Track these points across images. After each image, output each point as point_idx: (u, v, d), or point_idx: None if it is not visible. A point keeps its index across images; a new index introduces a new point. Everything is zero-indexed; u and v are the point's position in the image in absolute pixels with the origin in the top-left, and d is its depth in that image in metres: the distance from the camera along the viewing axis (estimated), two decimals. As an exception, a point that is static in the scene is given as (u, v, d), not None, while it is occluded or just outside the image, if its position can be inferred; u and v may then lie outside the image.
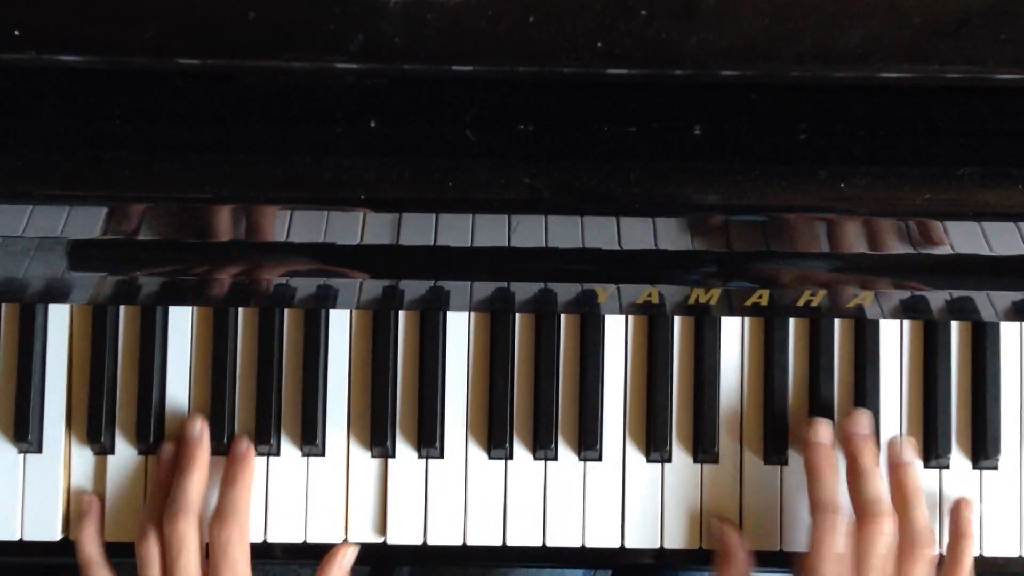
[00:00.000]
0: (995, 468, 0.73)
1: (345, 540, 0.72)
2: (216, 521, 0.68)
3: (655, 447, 0.72)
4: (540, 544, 0.73)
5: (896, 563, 0.66)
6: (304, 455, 0.73)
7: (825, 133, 0.56)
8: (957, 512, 0.72)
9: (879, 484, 0.68)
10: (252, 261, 0.65)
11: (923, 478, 0.73)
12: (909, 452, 0.71)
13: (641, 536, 0.73)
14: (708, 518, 0.72)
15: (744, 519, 0.73)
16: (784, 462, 0.73)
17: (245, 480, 0.70)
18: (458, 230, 0.60)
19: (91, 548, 0.71)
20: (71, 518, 0.72)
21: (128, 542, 0.71)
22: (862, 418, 0.70)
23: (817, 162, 0.55)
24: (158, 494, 0.70)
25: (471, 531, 0.73)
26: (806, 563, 0.67)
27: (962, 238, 0.58)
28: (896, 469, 0.70)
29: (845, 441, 0.70)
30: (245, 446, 0.71)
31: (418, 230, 0.60)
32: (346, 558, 0.71)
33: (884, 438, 0.73)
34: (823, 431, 0.70)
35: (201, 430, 0.71)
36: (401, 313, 0.73)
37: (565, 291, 0.69)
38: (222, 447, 0.72)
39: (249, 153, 0.55)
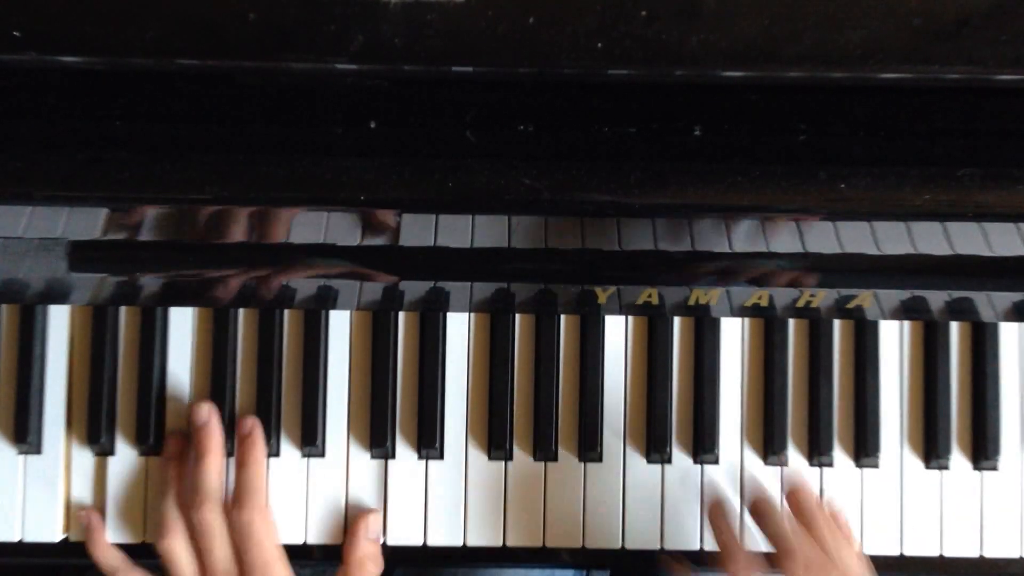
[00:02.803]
0: (995, 469, 0.73)
1: (370, 510, 0.72)
2: (234, 505, 0.68)
3: (655, 448, 0.72)
4: (540, 545, 0.73)
5: None
6: (304, 456, 0.73)
7: (825, 134, 0.56)
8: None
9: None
10: (251, 262, 0.65)
11: (924, 480, 0.73)
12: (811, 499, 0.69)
13: (641, 537, 0.73)
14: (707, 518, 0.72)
15: (744, 518, 0.73)
16: (784, 463, 0.73)
17: (256, 458, 0.70)
18: (458, 230, 0.60)
19: (108, 556, 0.71)
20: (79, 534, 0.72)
21: (130, 543, 0.71)
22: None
23: (817, 163, 0.55)
24: (171, 489, 0.70)
25: (471, 532, 0.73)
26: None
27: (962, 238, 0.58)
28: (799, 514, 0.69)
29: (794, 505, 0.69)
30: (250, 424, 0.71)
31: (418, 230, 0.60)
32: (370, 527, 0.71)
33: (884, 439, 0.73)
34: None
35: (208, 414, 0.71)
36: (401, 314, 0.73)
37: (565, 292, 0.69)
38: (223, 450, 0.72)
39: (249, 154, 0.55)
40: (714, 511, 0.71)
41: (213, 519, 0.67)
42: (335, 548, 0.72)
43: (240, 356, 0.73)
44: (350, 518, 0.72)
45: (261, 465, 0.70)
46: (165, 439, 0.72)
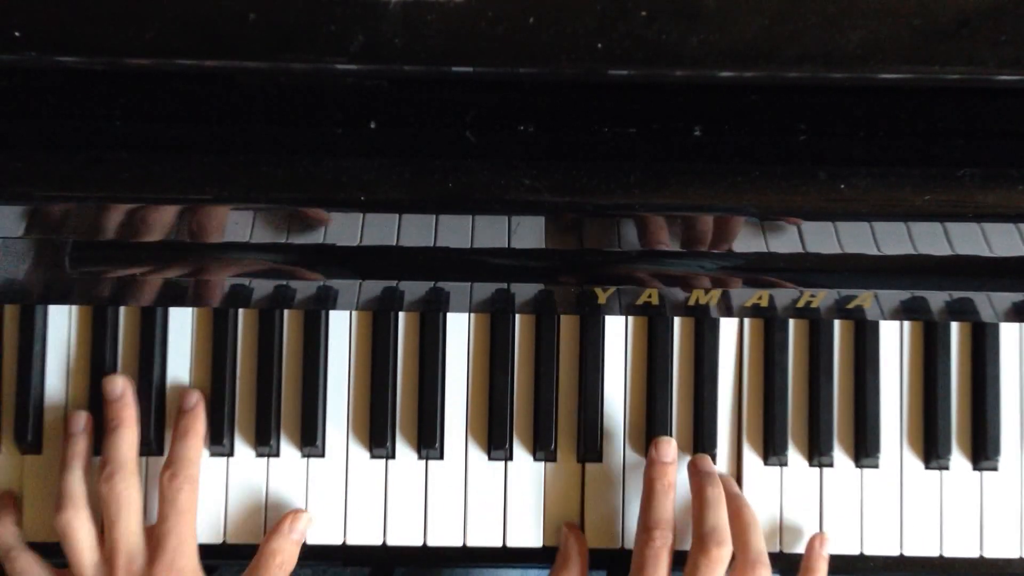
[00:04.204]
0: (995, 469, 0.73)
1: (297, 510, 0.71)
2: (165, 471, 0.67)
3: (655, 448, 0.72)
4: (540, 546, 0.73)
5: None
6: (304, 456, 0.73)
7: (825, 134, 0.56)
8: (811, 546, 0.72)
9: (721, 514, 0.68)
10: (251, 262, 0.65)
11: (924, 480, 0.73)
12: (735, 486, 0.72)
13: (641, 537, 0.73)
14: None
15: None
16: (784, 463, 0.73)
17: (196, 431, 0.70)
18: (458, 231, 0.60)
19: (7, 536, 0.70)
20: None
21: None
22: (707, 459, 0.72)
23: (817, 163, 0.55)
24: (75, 462, 0.68)
25: (471, 532, 0.73)
26: None
27: (962, 238, 0.58)
28: (731, 500, 0.70)
29: (693, 474, 0.71)
30: (196, 398, 0.71)
31: (418, 231, 0.60)
32: (295, 525, 0.69)
33: (884, 439, 0.73)
34: (668, 450, 0.71)
35: (123, 388, 0.70)
36: (401, 314, 0.73)
37: (565, 292, 0.69)
38: (222, 449, 0.72)
39: (249, 154, 0.55)
40: (658, 476, 0.70)
41: (124, 488, 0.65)
42: (335, 548, 0.72)
43: (240, 356, 0.73)
44: (347, 527, 0.72)
45: (200, 439, 0.70)
46: (67, 416, 0.70)
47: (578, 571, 0.70)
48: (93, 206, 0.57)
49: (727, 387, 0.74)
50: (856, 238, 0.59)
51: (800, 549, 0.72)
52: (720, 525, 0.67)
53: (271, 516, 0.72)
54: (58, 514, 0.66)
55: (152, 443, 0.72)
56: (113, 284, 0.68)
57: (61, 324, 0.73)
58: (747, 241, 0.60)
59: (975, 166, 0.55)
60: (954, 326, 0.74)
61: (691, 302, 0.69)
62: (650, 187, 0.55)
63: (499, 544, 0.73)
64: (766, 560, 0.67)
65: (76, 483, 0.67)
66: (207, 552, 0.71)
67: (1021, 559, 0.73)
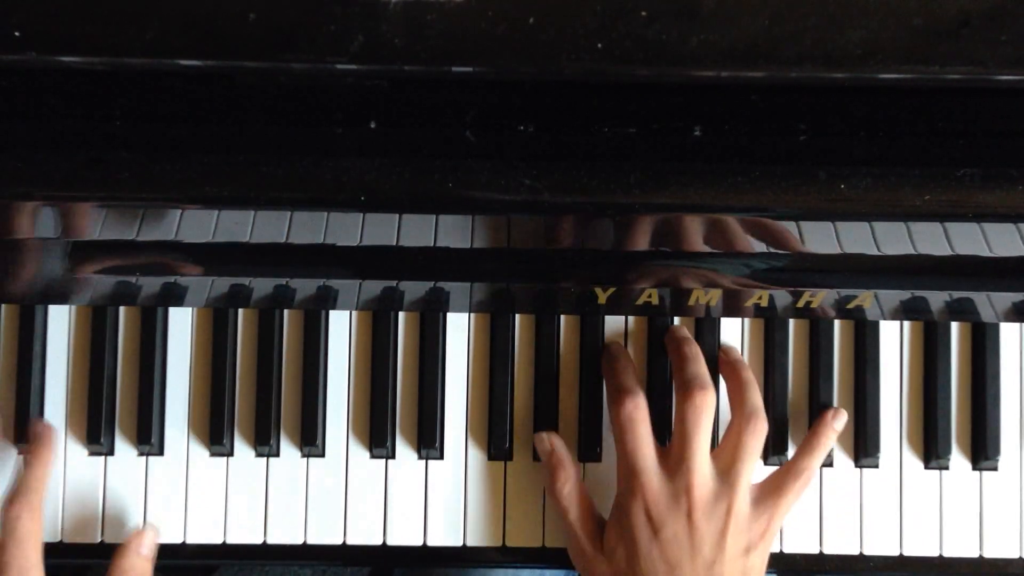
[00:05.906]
0: (995, 469, 0.73)
1: (145, 526, 0.71)
2: (6, 501, 0.68)
3: (655, 448, 0.72)
4: (540, 545, 0.73)
5: (734, 435, 0.68)
6: (304, 456, 0.73)
7: (825, 134, 0.56)
8: (822, 416, 0.72)
9: (700, 366, 0.69)
10: (251, 263, 0.65)
11: (923, 480, 0.73)
12: (736, 352, 0.73)
13: (641, 537, 0.73)
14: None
15: (744, 520, 0.73)
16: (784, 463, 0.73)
17: (40, 461, 0.70)
18: (458, 231, 0.60)
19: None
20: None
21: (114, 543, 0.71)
22: (682, 327, 0.73)
23: (817, 163, 0.55)
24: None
25: (471, 532, 0.73)
26: (621, 455, 0.68)
27: (962, 238, 0.58)
28: (727, 365, 0.72)
29: (669, 340, 0.72)
30: (41, 427, 0.71)
31: (418, 231, 0.60)
32: (143, 543, 0.69)
33: (884, 439, 0.73)
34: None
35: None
36: (401, 314, 0.73)
37: (565, 292, 0.69)
38: (222, 449, 0.72)
39: (249, 154, 0.55)
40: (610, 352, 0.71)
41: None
42: (335, 548, 0.72)
43: (240, 356, 0.73)
44: (347, 527, 0.72)
45: (44, 467, 0.70)
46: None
47: (575, 470, 0.70)
48: (93, 206, 0.57)
49: (727, 387, 0.74)
50: (856, 238, 0.59)
51: (800, 548, 0.72)
52: (701, 373, 0.68)
53: (271, 515, 0.72)
54: None
55: (154, 446, 0.72)
56: (113, 284, 0.68)
57: (61, 324, 0.73)
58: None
59: (975, 166, 0.55)
60: (954, 326, 0.74)
61: (691, 302, 0.69)
62: (650, 187, 0.55)
63: (499, 544, 0.73)
64: (763, 414, 0.68)
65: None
66: (207, 552, 0.71)
67: (1021, 559, 0.73)
